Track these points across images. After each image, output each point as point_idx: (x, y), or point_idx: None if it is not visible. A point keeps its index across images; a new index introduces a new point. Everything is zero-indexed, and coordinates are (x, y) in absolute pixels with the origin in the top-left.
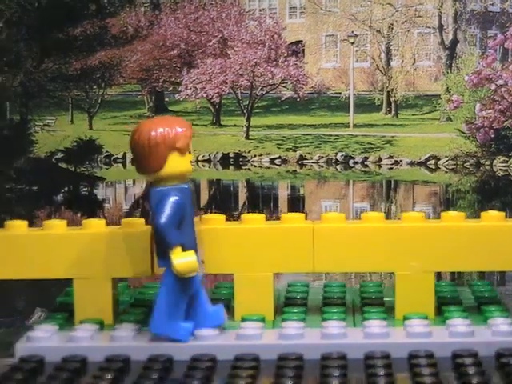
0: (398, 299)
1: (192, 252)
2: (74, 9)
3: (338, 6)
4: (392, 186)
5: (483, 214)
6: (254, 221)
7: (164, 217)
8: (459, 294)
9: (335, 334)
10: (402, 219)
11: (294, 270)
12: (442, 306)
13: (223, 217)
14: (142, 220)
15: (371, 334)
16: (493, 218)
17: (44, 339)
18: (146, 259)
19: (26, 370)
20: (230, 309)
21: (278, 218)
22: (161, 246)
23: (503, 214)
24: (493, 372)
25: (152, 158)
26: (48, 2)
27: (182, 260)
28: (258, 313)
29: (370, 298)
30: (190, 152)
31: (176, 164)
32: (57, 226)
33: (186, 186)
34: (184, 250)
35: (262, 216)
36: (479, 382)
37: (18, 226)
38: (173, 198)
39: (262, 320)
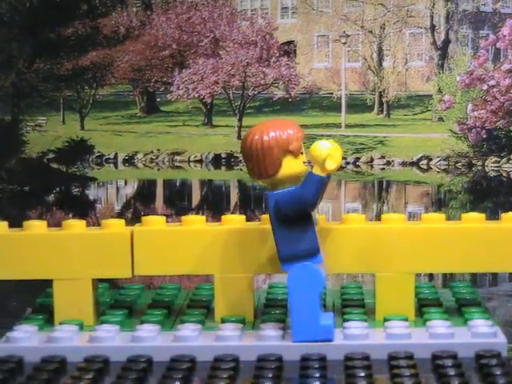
0: (378, 301)
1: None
2: (66, 9)
3: (329, 7)
4: (384, 186)
5: (463, 215)
6: (235, 221)
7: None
8: (440, 295)
9: None
10: (382, 221)
11: (266, 271)
12: (423, 308)
13: (203, 218)
14: (122, 221)
15: (351, 336)
16: (473, 219)
17: (23, 340)
18: (127, 260)
19: (4, 371)
20: (210, 310)
21: None
22: (283, 249)
23: (483, 215)
24: (472, 373)
25: (267, 162)
26: (39, 2)
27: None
28: (238, 314)
29: (350, 300)
30: (302, 153)
31: (290, 166)
32: (36, 227)
33: None
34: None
35: (242, 217)
36: (459, 383)
37: None
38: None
39: (242, 321)
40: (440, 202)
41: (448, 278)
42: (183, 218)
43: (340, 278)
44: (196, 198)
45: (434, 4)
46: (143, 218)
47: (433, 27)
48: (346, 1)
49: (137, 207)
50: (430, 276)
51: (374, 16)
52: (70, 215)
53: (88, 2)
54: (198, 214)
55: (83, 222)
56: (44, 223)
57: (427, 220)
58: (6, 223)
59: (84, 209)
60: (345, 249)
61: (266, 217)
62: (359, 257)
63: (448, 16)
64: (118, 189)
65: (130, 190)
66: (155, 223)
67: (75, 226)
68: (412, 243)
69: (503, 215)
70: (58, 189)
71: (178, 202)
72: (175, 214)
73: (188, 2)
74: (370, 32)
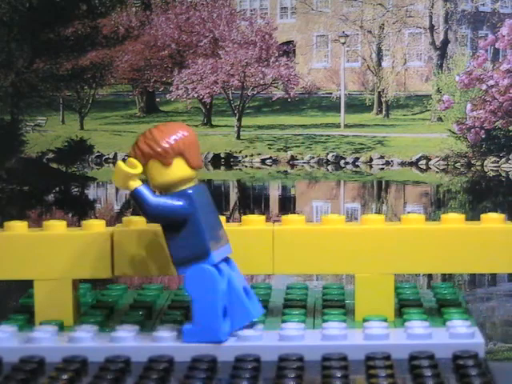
0: (357, 301)
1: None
2: (65, 9)
3: (328, 7)
4: (383, 186)
5: (443, 216)
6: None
7: None
8: (421, 296)
9: (293, 336)
10: (362, 221)
11: (254, 272)
12: (402, 308)
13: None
14: (103, 222)
15: (329, 336)
16: (453, 220)
17: (2, 340)
18: (107, 261)
19: None
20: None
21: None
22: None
23: (463, 216)
24: (449, 374)
25: None
26: (39, 3)
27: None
28: None
29: (331, 301)
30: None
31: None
32: (18, 227)
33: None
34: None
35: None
36: (435, 383)
37: None
38: None
39: None
40: (439, 202)
41: (447, 278)
42: None
43: (339, 278)
44: None
45: (433, 4)
46: (123, 219)
47: (432, 27)
48: (345, 1)
49: (136, 207)
50: (430, 276)
51: (373, 16)
52: (70, 215)
53: (87, 2)
54: None
55: (64, 223)
56: (25, 224)
57: (407, 221)
58: None
59: (83, 208)
60: (325, 249)
61: (245, 218)
62: (339, 257)
63: (447, 16)
64: (117, 189)
65: None
66: (135, 224)
67: (56, 226)
68: (392, 244)
69: (482, 216)
70: (57, 188)
71: None
72: None
73: (187, 2)
74: (369, 32)
